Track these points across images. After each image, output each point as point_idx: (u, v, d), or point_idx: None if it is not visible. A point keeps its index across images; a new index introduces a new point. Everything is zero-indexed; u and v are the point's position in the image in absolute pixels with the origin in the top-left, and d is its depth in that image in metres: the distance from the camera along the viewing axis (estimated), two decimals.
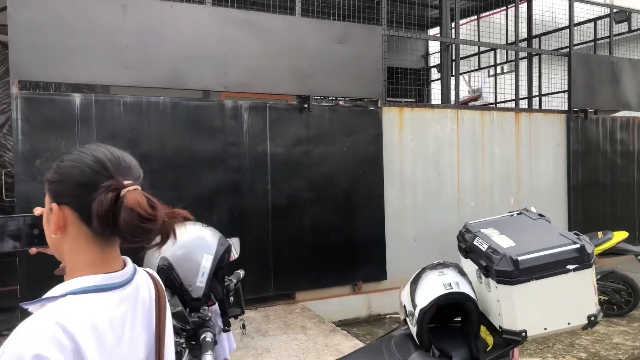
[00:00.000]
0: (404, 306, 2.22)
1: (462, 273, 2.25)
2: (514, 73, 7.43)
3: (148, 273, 1.12)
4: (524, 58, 7.88)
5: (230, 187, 5.37)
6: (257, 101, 5.58)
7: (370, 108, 6.07)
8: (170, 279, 1.86)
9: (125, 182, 0.97)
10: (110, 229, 0.94)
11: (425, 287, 2.16)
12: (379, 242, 6.08)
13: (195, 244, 1.93)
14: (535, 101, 8.50)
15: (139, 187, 0.98)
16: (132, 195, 0.94)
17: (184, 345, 1.82)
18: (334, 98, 6.37)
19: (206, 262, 1.91)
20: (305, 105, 5.64)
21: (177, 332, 1.88)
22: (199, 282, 1.90)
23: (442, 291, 2.11)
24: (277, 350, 4.44)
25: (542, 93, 8.42)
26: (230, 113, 5.35)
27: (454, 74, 7.26)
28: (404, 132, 6.32)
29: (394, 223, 6.21)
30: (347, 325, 5.65)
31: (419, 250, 6.42)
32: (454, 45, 7.51)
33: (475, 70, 10.61)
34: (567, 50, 7.61)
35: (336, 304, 5.83)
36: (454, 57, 7.68)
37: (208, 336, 1.80)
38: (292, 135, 5.63)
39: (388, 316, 6.08)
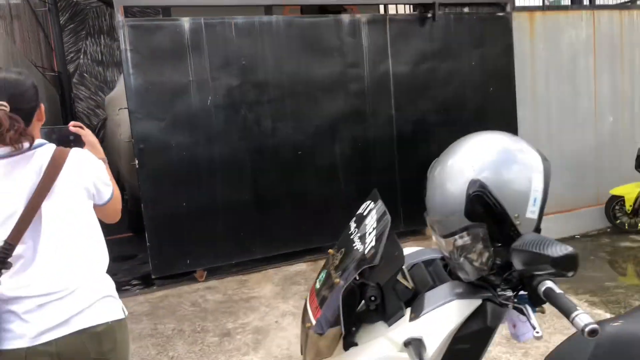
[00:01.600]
0: None
1: None
2: None
3: (60, 152, 1.52)
4: None
5: (351, 114, 4.80)
6: (377, 14, 4.89)
7: (499, 14, 5.25)
8: (488, 210, 1.28)
9: None
10: None
11: None
12: None
13: (514, 158, 1.32)
14: None
15: (5, 107, 1.41)
16: None
17: (507, 299, 1.28)
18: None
19: (537, 184, 1.30)
20: (429, 15, 4.90)
21: (493, 283, 1.35)
22: (530, 213, 1.28)
23: None
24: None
25: None
26: (347, 29, 4.70)
27: None
28: (535, 40, 5.49)
29: None
30: None
31: (554, 174, 5.71)
32: None
33: None
34: None
35: None
36: None
37: (553, 286, 1.23)
38: (415, 51, 4.94)
39: None
